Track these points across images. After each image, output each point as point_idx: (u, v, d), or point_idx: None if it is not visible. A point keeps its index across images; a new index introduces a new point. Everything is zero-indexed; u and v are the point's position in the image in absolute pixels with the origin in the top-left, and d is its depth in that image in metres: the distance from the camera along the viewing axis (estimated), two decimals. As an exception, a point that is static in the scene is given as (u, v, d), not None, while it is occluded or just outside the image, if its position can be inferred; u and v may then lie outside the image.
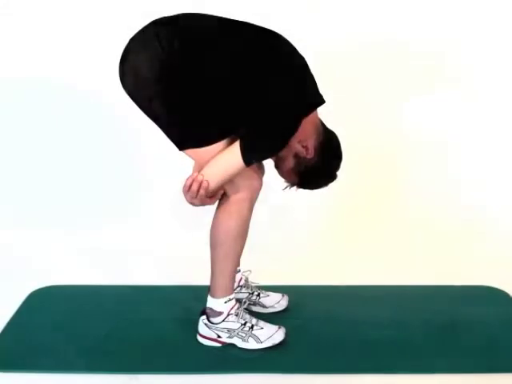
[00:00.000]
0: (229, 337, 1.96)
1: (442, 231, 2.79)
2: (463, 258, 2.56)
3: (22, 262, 2.54)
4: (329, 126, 1.94)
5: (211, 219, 1.94)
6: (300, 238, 2.72)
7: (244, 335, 1.95)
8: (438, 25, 2.96)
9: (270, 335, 1.95)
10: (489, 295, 2.33)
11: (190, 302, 2.18)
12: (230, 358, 1.92)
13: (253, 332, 1.95)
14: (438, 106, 3.03)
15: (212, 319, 1.96)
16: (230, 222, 1.89)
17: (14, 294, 2.27)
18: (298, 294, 2.24)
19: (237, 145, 1.77)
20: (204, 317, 1.98)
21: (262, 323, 1.98)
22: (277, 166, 1.96)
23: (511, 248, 2.64)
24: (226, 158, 1.79)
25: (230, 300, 1.96)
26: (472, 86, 3.00)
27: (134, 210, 2.88)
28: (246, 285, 2.19)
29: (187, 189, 1.80)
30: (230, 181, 1.84)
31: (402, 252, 2.62)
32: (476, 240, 2.72)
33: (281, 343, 1.95)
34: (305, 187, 1.98)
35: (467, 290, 2.37)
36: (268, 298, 2.19)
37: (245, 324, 1.96)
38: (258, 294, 2.18)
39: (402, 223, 2.85)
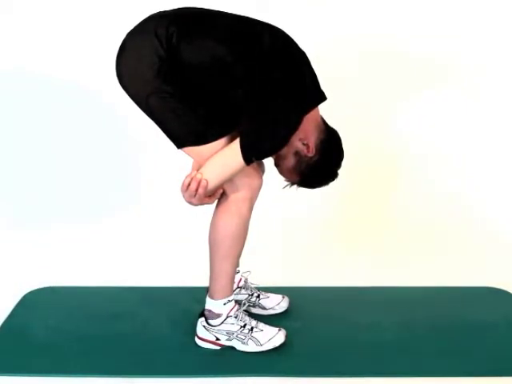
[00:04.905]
0: (228, 339, 1.93)
1: (442, 232, 2.79)
2: (465, 259, 2.55)
3: (18, 263, 2.51)
4: (330, 123, 1.92)
5: (210, 219, 1.90)
6: (300, 239, 2.71)
7: (243, 337, 1.92)
8: (439, 23, 2.96)
9: (270, 337, 1.92)
10: (492, 296, 2.31)
11: (188, 304, 2.15)
12: (228, 361, 1.90)
13: (252, 334, 1.92)
14: (439, 105, 3.04)
15: (211, 321, 1.93)
16: (230, 221, 1.87)
17: (8, 294, 2.24)
18: (298, 296, 2.22)
19: (236, 143, 1.74)
20: (202, 319, 1.95)
21: (261, 325, 1.95)
22: (277, 164, 1.93)
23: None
24: (225, 156, 1.76)
25: (229, 302, 1.93)
26: (473, 85, 3.01)
27: (132, 210, 2.87)
28: (246, 286, 2.16)
29: (185, 188, 1.78)
30: (230, 180, 1.82)
31: (403, 253, 2.62)
32: (477, 240, 2.72)
33: (281, 346, 1.92)
34: (305, 186, 1.95)
35: (470, 291, 2.35)
36: (268, 299, 2.16)
37: (244, 326, 1.93)
38: (258, 296, 2.16)
39: (402, 224, 2.85)
